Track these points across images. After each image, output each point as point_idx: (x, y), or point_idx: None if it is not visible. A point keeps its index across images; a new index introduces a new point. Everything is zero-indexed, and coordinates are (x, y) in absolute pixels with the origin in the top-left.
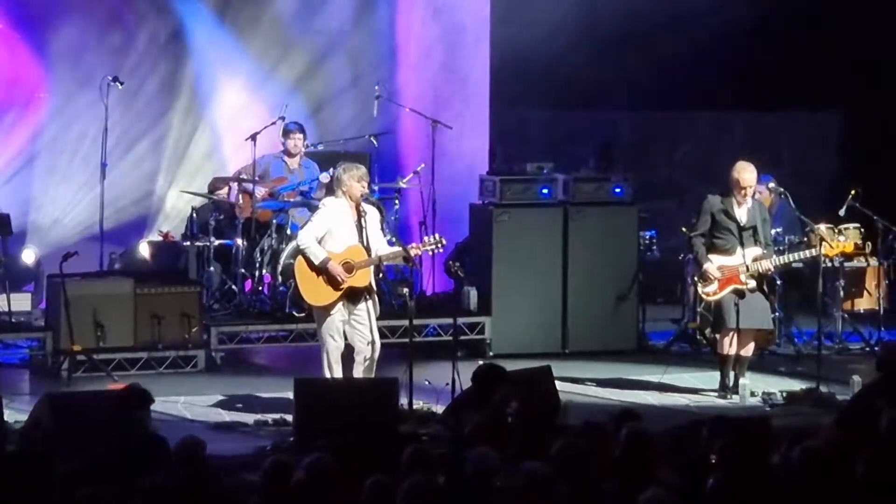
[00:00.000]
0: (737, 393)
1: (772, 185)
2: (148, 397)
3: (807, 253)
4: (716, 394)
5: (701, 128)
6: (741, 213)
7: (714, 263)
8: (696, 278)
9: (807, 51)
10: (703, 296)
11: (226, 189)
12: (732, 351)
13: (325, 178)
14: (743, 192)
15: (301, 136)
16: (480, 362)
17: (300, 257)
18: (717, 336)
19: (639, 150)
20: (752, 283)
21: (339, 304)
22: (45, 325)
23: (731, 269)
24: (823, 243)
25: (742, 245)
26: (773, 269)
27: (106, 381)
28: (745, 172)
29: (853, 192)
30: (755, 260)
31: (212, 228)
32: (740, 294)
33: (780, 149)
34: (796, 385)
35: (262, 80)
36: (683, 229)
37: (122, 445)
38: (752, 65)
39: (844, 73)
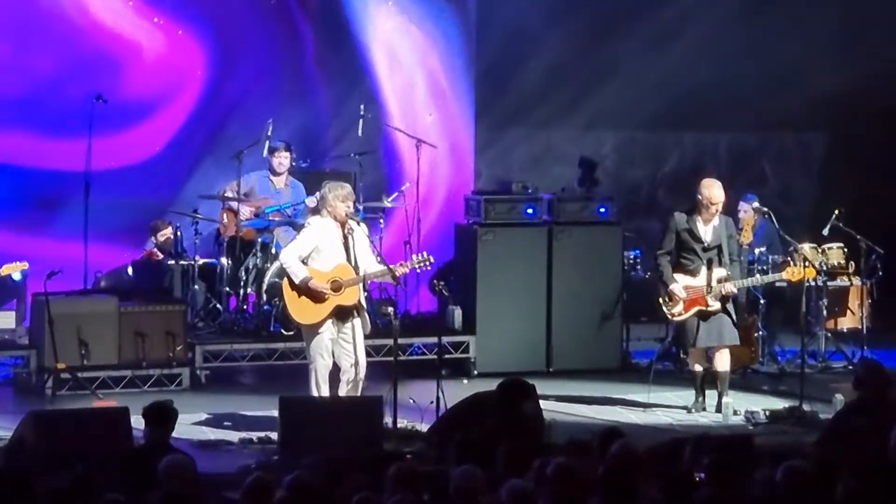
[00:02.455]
0: (705, 409)
1: (755, 204)
2: (173, 413)
3: (772, 277)
4: (711, 413)
5: (685, 147)
6: (706, 233)
7: (680, 284)
8: (661, 299)
9: (791, 71)
10: (669, 316)
11: (168, 230)
12: (699, 368)
13: (311, 202)
14: (713, 209)
15: (287, 154)
16: (465, 381)
17: (287, 276)
18: (685, 355)
19: (623, 170)
20: (717, 305)
21: (329, 322)
22: (30, 342)
23: (695, 290)
24: (788, 268)
25: (706, 266)
26: (736, 292)
27: (90, 399)
28: (714, 189)
29: (837, 211)
30: (720, 281)
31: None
32: (704, 315)
33: (763, 169)
34: (779, 404)
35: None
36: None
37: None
38: (736, 84)
39: (829, 93)
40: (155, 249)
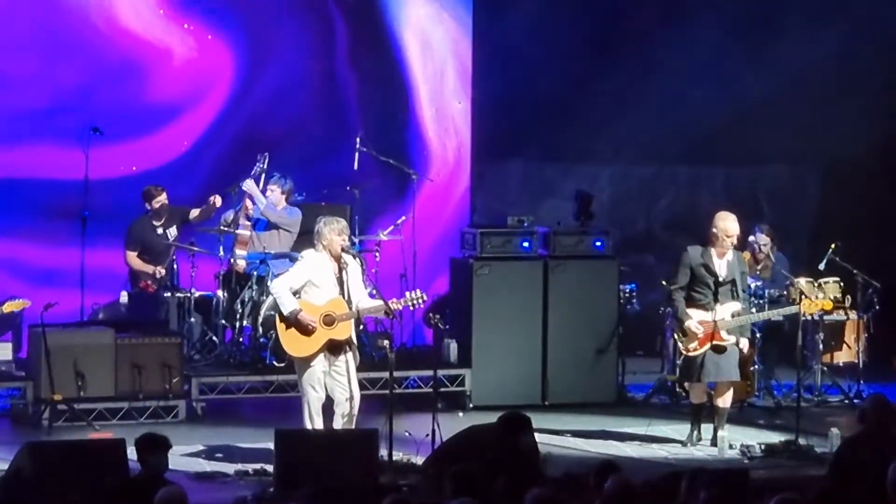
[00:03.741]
0: (701, 441)
1: (751, 238)
2: (165, 443)
3: (789, 309)
4: (707, 447)
5: (681, 181)
6: (721, 267)
7: (694, 319)
8: (677, 334)
9: (787, 104)
10: (684, 351)
11: (162, 196)
12: (699, 400)
13: (247, 185)
14: (728, 241)
15: (276, 187)
16: (460, 414)
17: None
18: (688, 387)
19: (619, 204)
20: (732, 339)
21: (321, 356)
22: (26, 374)
23: (710, 325)
24: (804, 300)
25: (718, 300)
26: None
27: (87, 430)
28: (729, 221)
29: (833, 245)
30: (734, 316)
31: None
32: (720, 350)
33: (759, 203)
34: (775, 437)
35: None
36: (664, 283)
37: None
38: (731, 118)
39: (823, 125)
40: (150, 282)
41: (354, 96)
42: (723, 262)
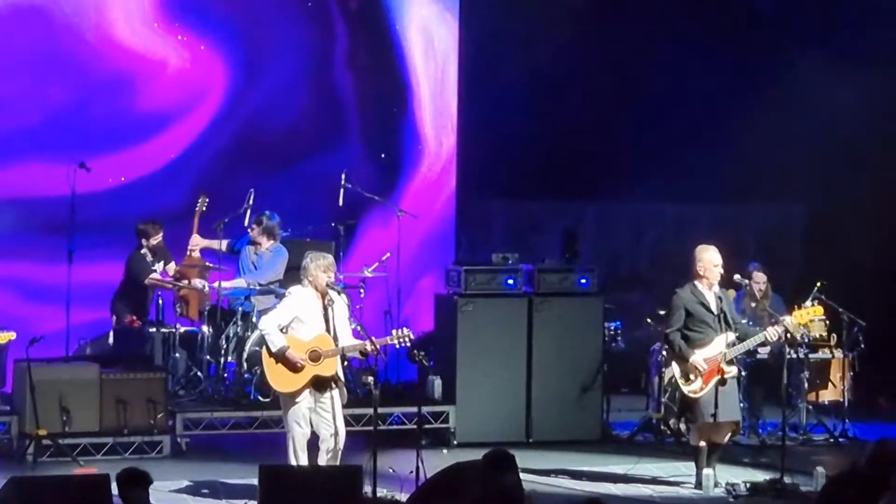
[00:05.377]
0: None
1: (737, 276)
2: (146, 478)
3: (780, 323)
4: (691, 486)
5: (666, 219)
6: (712, 300)
7: (698, 356)
8: (678, 379)
9: (770, 142)
10: (690, 394)
11: (159, 235)
12: (704, 444)
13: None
14: (716, 270)
15: (257, 227)
16: (445, 451)
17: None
18: (691, 428)
19: (603, 241)
20: (734, 370)
21: (306, 392)
22: (11, 409)
23: (712, 361)
24: (795, 311)
25: (717, 333)
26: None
27: (71, 465)
28: (711, 252)
29: (818, 284)
30: (730, 346)
31: (177, 314)
32: (723, 383)
33: (745, 240)
34: (760, 476)
35: None
36: (648, 320)
37: None
38: (717, 156)
39: (808, 163)
40: (135, 317)
41: (352, 93)
42: (712, 294)
